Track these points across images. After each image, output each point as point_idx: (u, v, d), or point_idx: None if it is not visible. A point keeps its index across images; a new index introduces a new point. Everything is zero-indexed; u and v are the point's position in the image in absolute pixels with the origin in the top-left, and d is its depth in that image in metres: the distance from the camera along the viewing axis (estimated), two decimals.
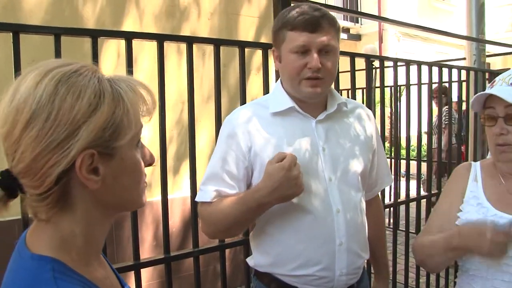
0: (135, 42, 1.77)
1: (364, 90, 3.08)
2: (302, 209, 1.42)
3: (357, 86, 2.74)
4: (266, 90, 2.12)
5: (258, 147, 1.44)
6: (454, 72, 3.29)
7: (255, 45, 2.42)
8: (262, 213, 1.42)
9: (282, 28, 1.42)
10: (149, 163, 0.82)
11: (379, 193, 2.78)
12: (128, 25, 3.48)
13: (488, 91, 1.36)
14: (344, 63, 2.57)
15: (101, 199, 0.75)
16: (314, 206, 1.42)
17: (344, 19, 13.40)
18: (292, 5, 1.50)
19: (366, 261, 1.62)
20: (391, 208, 3.10)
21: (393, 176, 2.95)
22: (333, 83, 2.52)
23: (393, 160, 3.34)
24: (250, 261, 1.59)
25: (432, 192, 3.22)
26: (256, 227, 1.54)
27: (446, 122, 4.06)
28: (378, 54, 6.72)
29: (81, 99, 0.69)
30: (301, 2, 2.27)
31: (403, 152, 5.52)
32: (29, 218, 0.78)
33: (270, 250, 1.49)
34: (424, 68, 3.02)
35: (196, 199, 1.53)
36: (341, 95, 4.34)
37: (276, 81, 2.11)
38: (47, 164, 0.68)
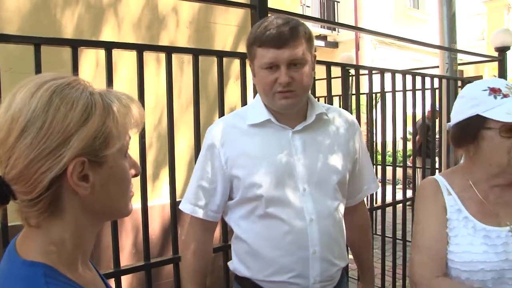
0: (115, 52, 1.80)
1: (340, 97, 3.14)
2: (276, 219, 1.47)
3: (334, 94, 2.81)
4: (243, 99, 2.16)
5: (234, 160, 1.50)
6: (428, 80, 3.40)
7: (233, 54, 2.47)
8: None
9: (252, 44, 1.45)
10: (135, 174, 0.86)
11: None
12: (107, 34, 3.49)
13: None
14: (321, 70, 2.64)
15: (90, 206, 0.78)
16: (287, 215, 1.46)
17: (321, 27, 13.58)
18: (268, 16, 1.53)
19: (349, 266, 1.66)
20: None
21: None
22: (312, 92, 2.61)
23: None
24: (230, 265, 1.64)
25: (407, 197, 3.31)
26: (234, 234, 1.59)
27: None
28: (354, 62, 6.83)
29: (74, 109, 0.73)
30: (278, 13, 2.34)
31: (380, 157, 5.64)
32: None
33: (247, 257, 1.54)
34: (398, 77, 3.12)
35: (181, 207, 1.61)
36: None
37: (254, 91, 2.18)
38: (40, 170, 0.71)
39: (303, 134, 1.52)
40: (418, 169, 4.70)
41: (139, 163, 1.84)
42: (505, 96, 1.32)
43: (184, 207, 1.59)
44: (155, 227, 3.72)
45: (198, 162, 1.59)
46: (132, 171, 0.85)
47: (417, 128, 4.54)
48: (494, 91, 1.33)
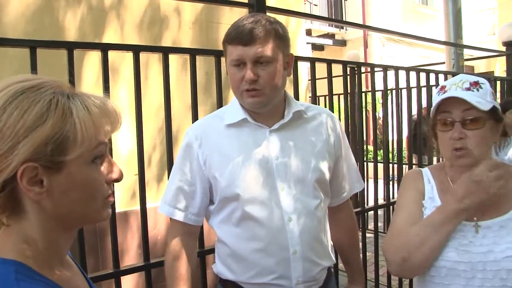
0: (118, 53, 1.80)
1: (348, 95, 3.10)
2: (254, 220, 1.46)
3: (342, 92, 2.79)
4: None
5: (212, 161, 1.49)
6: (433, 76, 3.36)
7: None
8: None
9: (224, 42, 1.46)
10: (115, 180, 0.84)
11: (359, 197, 2.86)
12: (110, 35, 3.51)
13: (449, 94, 1.34)
14: (324, 69, 2.63)
15: (51, 210, 0.78)
16: (265, 216, 1.45)
17: (329, 25, 13.52)
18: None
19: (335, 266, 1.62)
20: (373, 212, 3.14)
21: (376, 180, 3.02)
22: (313, 90, 2.60)
23: (366, 163, 3.40)
24: (214, 268, 1.62)
25: None
26: (217, 237, 1.58)
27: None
28: (361, 60, 6.78)
29: (28, 114, 0.72)
30: (276, 11, 2.33)
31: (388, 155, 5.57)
32: None
33: (229, 259, 1.53)
34: (403, 73, 3.09)
35: (159, 209, 1.58)
36: (324, 101, 4.32)
37: None
38: None
39: (280, 133, 1.51)
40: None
41: (138, 165, 1.87)
42: (444, 93, 1.37)
43: (162, 209, 1.57)
44: (161, 228, 3.73)
45: (176, 163, 1.57)
46: (111, 176, 0.84)
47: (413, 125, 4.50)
48: (441, 89, 1.40)
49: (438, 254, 1.33)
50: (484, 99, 1.33)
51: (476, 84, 1.35)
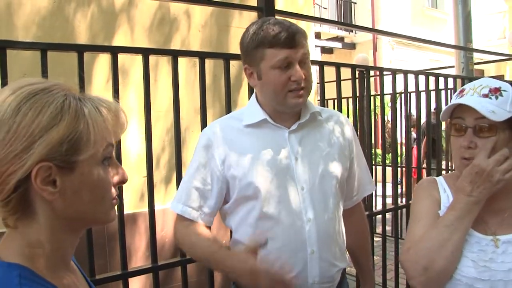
0: (128, 56, 1.82)
1: (357, 98, 3.08)
2: (273, 219, 1.46)
3: (351, 95, 2.79)
4: None
5: (231, 159, 1.49)
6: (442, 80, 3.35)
7: (240, 57, 2.48)
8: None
9: (258, 46, 1.45)
10: (121, 182, 0.85)
11: (367, 200, 2.85)
12: (120, 38, 3.53)
13: (459, 100, 1.28)
14: (332, 73, 2.63)
15: (62, 211, 0.78)
16: (284, 216, 1.45)
17: (338, 29, 13.51)
18: (264, 19, 1.52)
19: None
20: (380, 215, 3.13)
21: (380, 183, 3.01)
22: (321, 93, 2.60)
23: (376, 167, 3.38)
24: None
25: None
26: (232, 237, 1.58)
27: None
28: (370, 63, 6.78)
29: (42, 115, 0.74)
30: (285, 15, 2.34)
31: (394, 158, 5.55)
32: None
33: None
34: (413, 77, 3.08)
35: (171, 208, 1.57)
36: (332, 105, 4.31)
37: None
38: (6, 172, 0.73)
39: (299, 134, 1.53)
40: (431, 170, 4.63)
41: (146, 166, 1.89)
42: (461, 97, 1.30)
43: (175, 207, 1.55)
44: (169, 230, 3.74)
45: (192, 162, 1.56)
46: (115, 179, 0.84)
47: (423, 129, 4.47)
48: (460, 92, 1.33)
49: (459, 258, 1.26)
50: (501, 108, 1.23)
51: (496, 90, 1.26)
